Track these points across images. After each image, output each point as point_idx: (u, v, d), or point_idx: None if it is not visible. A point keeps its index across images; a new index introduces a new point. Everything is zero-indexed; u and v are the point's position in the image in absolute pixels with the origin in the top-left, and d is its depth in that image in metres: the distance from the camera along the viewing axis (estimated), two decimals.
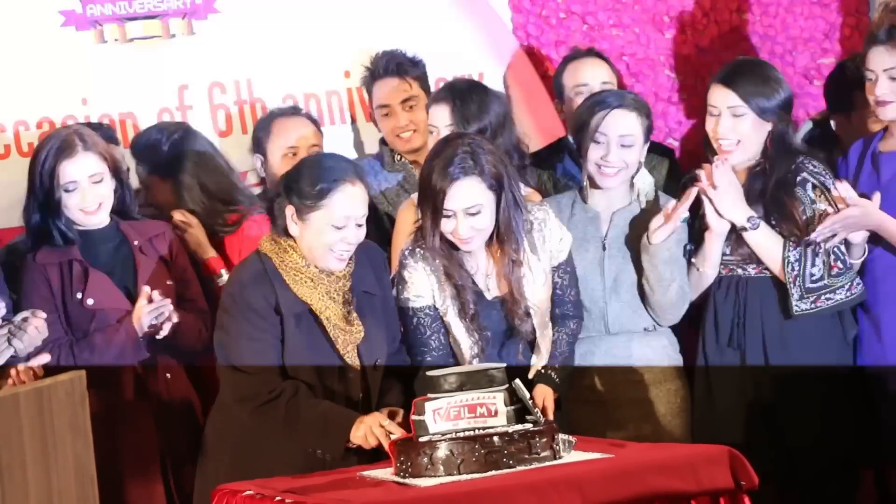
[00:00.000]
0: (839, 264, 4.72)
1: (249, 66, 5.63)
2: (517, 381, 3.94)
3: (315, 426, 4.15)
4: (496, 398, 3.86)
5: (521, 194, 4.49)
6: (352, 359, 4.28)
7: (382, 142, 5.60)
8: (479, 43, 6.06)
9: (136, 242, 4.71)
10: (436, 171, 4.37)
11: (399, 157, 5.47)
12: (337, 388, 4.28)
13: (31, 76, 5.28)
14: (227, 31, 5.59)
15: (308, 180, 4.24)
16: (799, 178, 4.75)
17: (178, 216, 5.04)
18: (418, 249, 4.48)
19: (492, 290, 4.51)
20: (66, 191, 4.57)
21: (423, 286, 4.47)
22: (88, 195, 4.59)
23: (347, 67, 5.77)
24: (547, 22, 6.23)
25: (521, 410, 3.89)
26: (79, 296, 4.56)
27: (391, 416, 4.16)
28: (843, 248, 4.74)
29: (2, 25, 5.24)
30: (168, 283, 4.71)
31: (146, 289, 4.53)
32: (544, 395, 4.39)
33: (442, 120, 4.89)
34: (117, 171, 4.71)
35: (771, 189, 4.76)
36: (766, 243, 4.73)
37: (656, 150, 5.45)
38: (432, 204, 4.38)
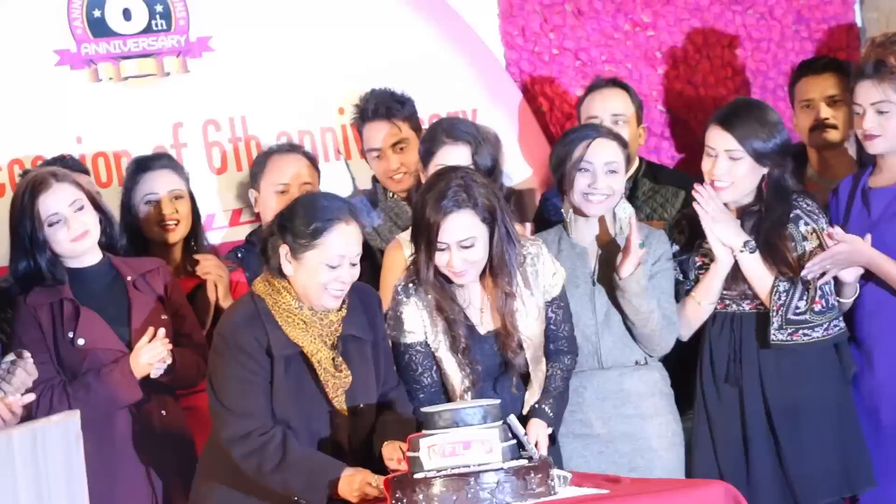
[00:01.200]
0: (823, 301, 4.72)
1: (244, 103, 5.63)
2: (511, 416, 3.94)
3: (301, 475, 4.10)
4: (491, 434, 3.84)
5: (514, 228, 4.49)
6: (340, 403, 4.24)
7: (375, 179, 5.61)
8: (473, 79, 6.08)
9: (129, 278, 4.68)
10: (429, 205, 4.37)
11: (392, 194, 5.47)
12: (324, 433, 4.23)
13: (26, 115, 5.27)
14: (221, 69, 5.59)
15: (302, 219, 4.21)
16: (792, 215, 4.76)
17: (212, 264, 5.07)
18: (410, 285, 4.48)
19: (485, 324, 4.51)
20: (50, 225, 4.54)
21: (414, 322, 4.46)
22: (73, 223, 4.56)
23: (341, 104, 5.77)
24: (540, 58, 6.24)
25: (515, 446, 3.87)
26: (70, 335, 4.52)
27: (390, 454, 4.12)
28: (831, 286, 4.75)
29: None
30: (163, 318, 4.69)
31: (151, 329, 4.53)
32: (538, 430, 4.39)
33: (463, 160, 4.90)
34: (94, 201, 4.70)
35: (765, 230, 4.76)
36: (759, 270, 4.73)
37: (672, 180, 5.48)
38: (426, 237, 4.38)
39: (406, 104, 5.59)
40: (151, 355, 4.51)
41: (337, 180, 5.71)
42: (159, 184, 5.13)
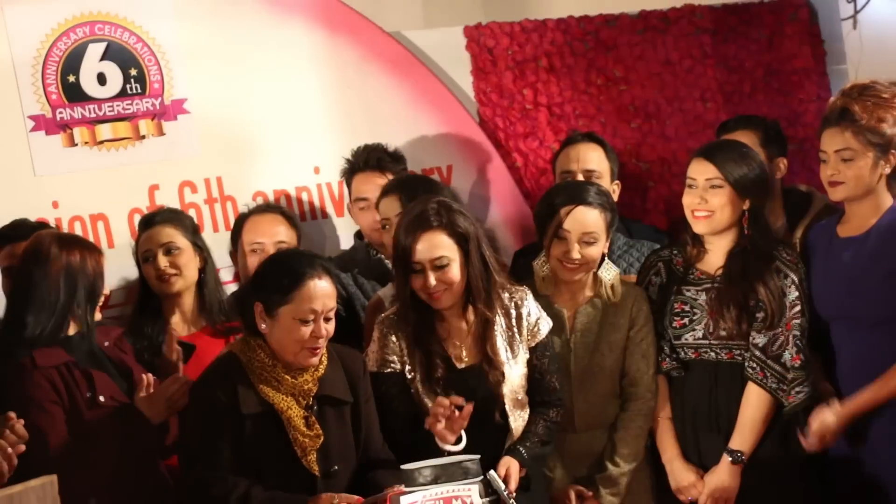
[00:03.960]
0: (801, 356, 4.75)
1: (219, 164, 5.63)
2: (492, 472, 3.96)
3: None
4: (471, 490, 3.87)
5: (494, 261, 4.47)
6: (311, 464, 4.21)
7: (358, 235, 5.61)
8: (447, 137, 6.10)
9: (106, 343, 4.68)
10: (404, 227, 4.41)
11: (374, 251, 5.46)
12: (294, 492, 4.18)
13: (2, 180, 5.25)
14: (196, 131, 5.59)
15: (275, 276, 4.24)
16: (774, 267, 4.76)
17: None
18: (392, 317, 4.48)
19: (464, 358, 4.48)
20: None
21: (391, 353, 4.45)
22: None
23: (317, 163, 5.79)
24: (513, 114, 6.29)
25: (496, 502, 3.89)
26: (89, 395, 4.48)
27: None
28: (802, 341, 4.75)
29: None
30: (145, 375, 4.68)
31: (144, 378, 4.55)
32: (509, 465, 4.31)
33: (393, 211, 4.91)
34: None
35: (752, 272, 4.76)
36: (757, 415, 4.77)
37: (646, 234, 5.53)
38: (402, 260, 4.39)
39: (399, 160, 5.61)
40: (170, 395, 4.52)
41: (314, 239, 5.73)
42: (154, 240, 5.12)
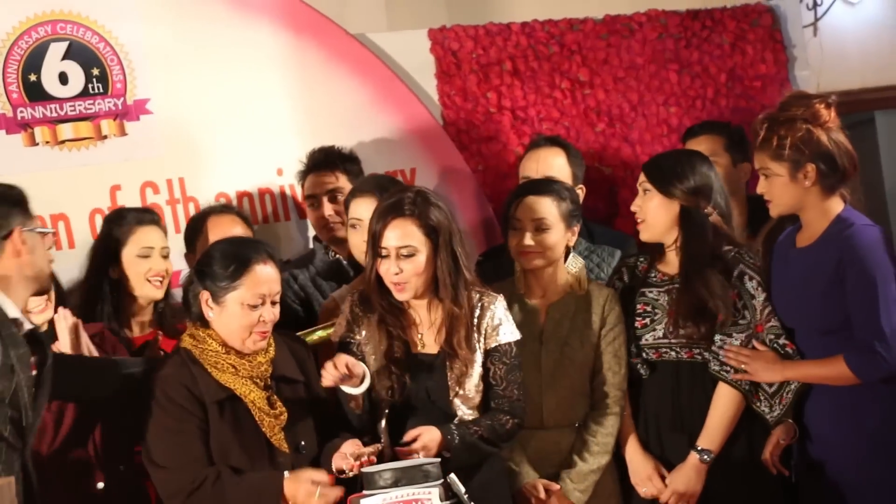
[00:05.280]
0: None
1: (182, 165, 5.63)
2: (452, 475, 3.95)
3: (246, 498, 4.12)
4: (431, 493, 3.87)
5: (465, 259, 4.47)
6: (280, 442, 4.26)
7: (316, 238, 5.61)
8: (411, 139, 6.12)
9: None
10: (378, 211, 4.44)
11: (332, 252, 5.47)
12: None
13: None
14: (159, 132, 5.58)
15: (220, 263, 4.27)
16: (737, 272, 4.81)
17: None
18: (364, 292, 4.50)
19: (427, 345, 4.48)
20: None
21: (355, 324, 4.47)
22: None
23: (280, 165, 5.80)
24: (477, 117, 6.30)
25: None
26: None
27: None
28: (779, 342, 4.79)
29: None
30: None
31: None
32: (424, 431, 4.27)
33: (367, 213, 4.92)
34: None
35: (699, 269, 4.80)
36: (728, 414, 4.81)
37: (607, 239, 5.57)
38: (372, 244, 4.42)
39: (350, 160, 5.62)
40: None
41: (275, 241, 5.69)
42: (154, 238, 5.09)
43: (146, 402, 4.26)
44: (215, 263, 4.29)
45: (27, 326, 4.12)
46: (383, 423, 4.36)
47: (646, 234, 4.92)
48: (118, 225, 5.10)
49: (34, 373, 4.12)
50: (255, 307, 4.25)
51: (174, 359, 4.33)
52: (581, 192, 5.62)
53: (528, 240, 4.82)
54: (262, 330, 4.28)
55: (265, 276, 4.28)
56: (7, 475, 3.98)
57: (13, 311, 4.07)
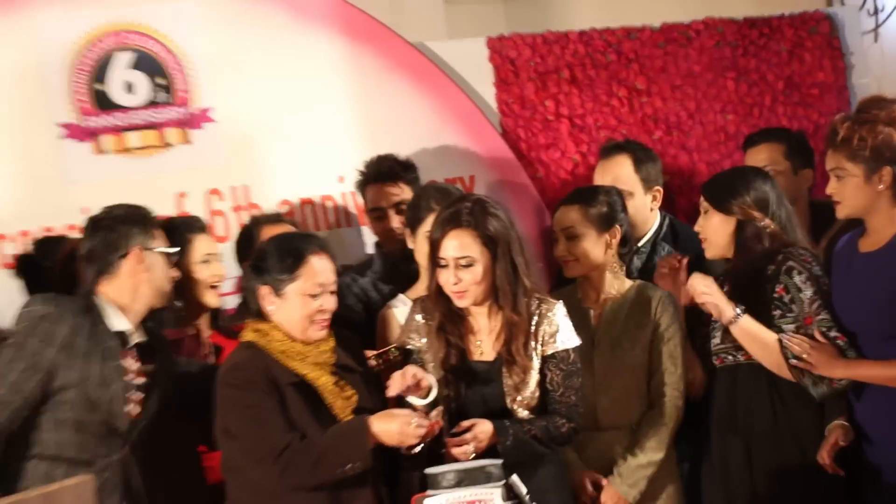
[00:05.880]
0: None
1: (246, 172, 5.72)
2: (514, 476, 3.99)
3: (337, 447, 4.18)
4: (493, 494, 3.91)
5: (524, 267, 4.49)
6: None
7: (378, 245, 5.68)
8: (470, 147, 6.17)
9: None
10: (438, 221, 4.50)
11: (393, 259, 5.51)
12: None
13: (34, 187, 5.37)
14: (223, 139, 5.68)
15: (277, 257, 4.37)
16: (784, 267, 4.82)
17: None
18: (426, 300, 4.57)
19: (485, 352, 4.52)
20: None
21: (413, 330, 4.54)
22: None
23: (341, 172, 5.85)
24: (535, 125, 6.35)
25: None
26: None
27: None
28: (832, 334, 4.76)
29: (4, 138, 5.34)
30: None
31: None
32: (478, 423, 4.32)
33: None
34: None
35: (745, 280, 4.85)
36: (755, 330, 4.80)
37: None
38: (432, 253, 4.48)
39: (409, 169, 5.66)
40: None
41: (337, 248, 5.72)
42: (211, 244, 5.18)
43: (221, 395, 4.31)
44: (272, 258, 4.38)
45: (136, 339, 4.43)
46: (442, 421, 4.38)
47: (710, 252, 4.97)
48: (176, 234, 5.10)
49: (143, 381, 4.44)
50: (314, 297, 4.35)
51: (241, 351, 4.40)
52: (658, 194, 5.66)
53: (561, 250, 4.93)
54: (323, 318, 4.38)
55: (321, 267, 4.38)
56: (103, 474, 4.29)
57: (120, 324, 4.38)
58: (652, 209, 5.66)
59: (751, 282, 4.84)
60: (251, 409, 4.23)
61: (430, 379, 4.31)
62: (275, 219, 5.45)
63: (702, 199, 4.97)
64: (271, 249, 4.42)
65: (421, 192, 5.26)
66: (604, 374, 4.88)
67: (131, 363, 4.46)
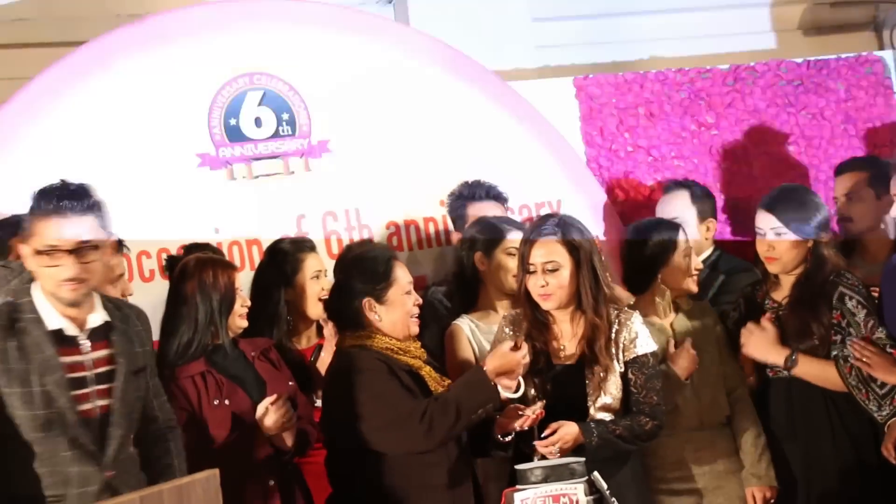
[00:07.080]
0: None
1: (358, 197, 5.79)
2: (595, 473, 4.04)
3: (467, 396, 4.29)
4: (577, 489, 3.97)
5: (606, 277, 4.56)
6: None
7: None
8: (557, 173, 6.21)
9: (252, 354, 4.76)
10: (527, 233, 4.61)
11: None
12: None
13: (172, 209, 5.45)
14: (339, 168, 5.76)
15: (370, 268, 4.47)
16: (836, 294, 4.82)
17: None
18: (513, 313, 4.67)
19: (568, 356, 4.57)
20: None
21: (502, 341, 4.58)
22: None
23: (441, 196, 5.88)
24: (616, 155, 6.44)
25: (599, 500, 3.98)
26: (216, 402, 4.56)
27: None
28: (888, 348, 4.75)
29: (149, 166, 5.43)
30: (290, 383, 4.77)
31: (274, 395, 4.55)
32: (563, 425, 4.36)
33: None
34: None
35: (809, 297, 4.86)
36: (814, 371, 4.83)
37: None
38: (521, 262, 4.57)
39: (503, 197, 5.67)
40: (276, 418, 4.52)
41: (437, 265, 5.87)
42: (320, 262, 5.22)
43: (358, 386, 4.35)
44: (364, 272, 4.46)
45: (90, 325, 4.02)
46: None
47: (777, 268, 4.95)
48: (290, 253, 5.19)
49: (105, 368, 4.01)
50: (409, 293, 4.48)
51: (350, 351, 4.44)
52: (712, 225, 5.72)
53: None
54: (416, 313, 4.51)
55: (404, 267, 4.54)
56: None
57: (55, 321, 3.95)
58: (707, 238, 5.73)
59: (809, 307, 4.86)
60: (384, 385, 4.33)
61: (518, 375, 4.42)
62: (308, 247, 5.32)
63: (773, 221, 4.91)
64: (360, 265, 4.48)
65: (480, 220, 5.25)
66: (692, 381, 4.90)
67: (81, 356, 3.98)
